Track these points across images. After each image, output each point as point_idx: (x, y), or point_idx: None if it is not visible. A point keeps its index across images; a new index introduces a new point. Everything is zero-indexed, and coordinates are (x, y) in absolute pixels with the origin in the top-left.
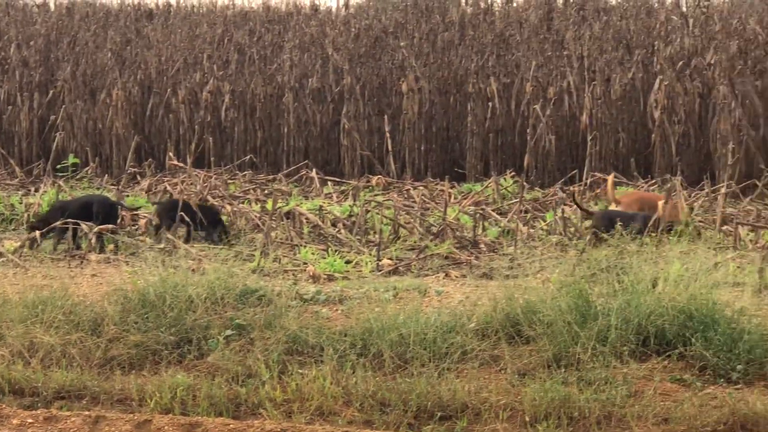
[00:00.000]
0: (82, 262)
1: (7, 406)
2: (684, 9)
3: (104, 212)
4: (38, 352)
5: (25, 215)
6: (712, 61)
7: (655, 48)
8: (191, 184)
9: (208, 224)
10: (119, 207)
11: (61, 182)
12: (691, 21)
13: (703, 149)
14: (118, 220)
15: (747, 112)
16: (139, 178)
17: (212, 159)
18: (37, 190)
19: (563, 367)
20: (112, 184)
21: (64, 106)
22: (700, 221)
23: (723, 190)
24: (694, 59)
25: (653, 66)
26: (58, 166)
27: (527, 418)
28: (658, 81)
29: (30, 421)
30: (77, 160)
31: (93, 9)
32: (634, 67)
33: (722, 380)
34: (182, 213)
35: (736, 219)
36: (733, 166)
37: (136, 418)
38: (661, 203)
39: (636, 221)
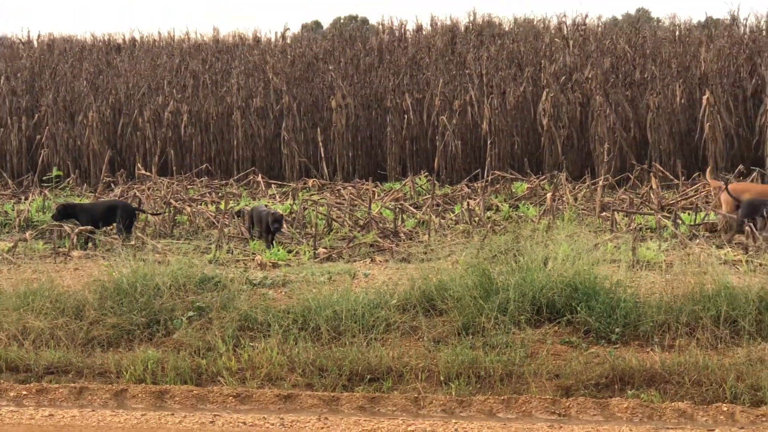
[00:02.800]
0: (65, 258)
1: (5, 381)
2: (565, 32)
3: (126, 215)
4: (30, 335)
5: (17, 220)
6: (590, 76)
7: (542, 65)
8: (157, 189)
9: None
10: (137, 211)
11: (46, 192)
12: (571, 42)
13: (584, 149)
14: (135, 222)
15: (619, 117)
16: (113, 186)
17: (174, 168)
18: (26, 199)
19: (471, 334)
20: (91, 192)
21: (47, 127)
22: (583, 209)
23: (601, 183)
24: (575, 74)
25: (541, 81)
26: (44, 178)
27: (442, 378)
28: (545, 93)
29: (24, 393)
30: (60, 173)
31: (70, 44)
32: (525, 82)
33: (603, 341)
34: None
35: (613, 206)
36: (609, 163)
37: (114, 387)
38: None
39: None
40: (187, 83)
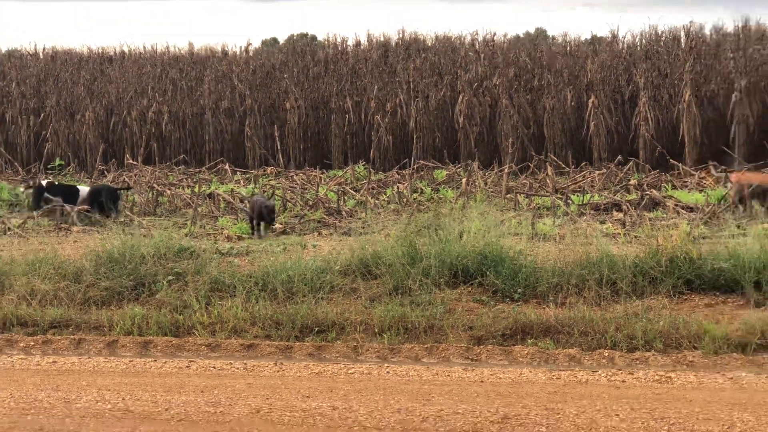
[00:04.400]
0: (66, 232)
1: (16, 334)
2: (477, 47)
3: (110, 195)
4: (37, 295)
5: (26, 201)
6: (497, 83)
7: (458, 74)
8: (142, 176)
9: None
10: (119, 190)
11: (50, 178)
12: (482, 55)
13: (492, 143)
14: (120, 201)
15: (521, 117)
16: (105, 173)
17: (156, 158)
18: (34, 184)
19: (400, 294)
20: (87, 178)
21: (51, 124)
22: (491, 192)
23: (506, 170)
24: (485, 81)
25: (457, 87)
26: (49, 166)
27: (376, 330)
28: (460, 97)
29: (32, 343)
30: (62, 162)
31: (70, 56)
32: (444, 88)
33: (508, 299)
34: None
35: (516, 189)
36: (513, 154)
37: (107, 338)
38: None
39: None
40: (167, 88)
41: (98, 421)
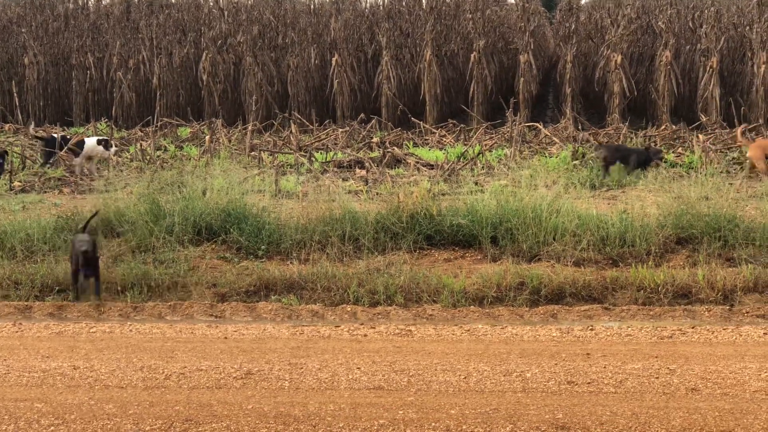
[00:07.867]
0: None
1: None
2: (221, 3)
3: None
4: None
5: None
6: (241, 40)
7: (202, 31)
8: None
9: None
10: None
11: None
12: (225, 12)
13: (236, 100)
14: None
15: (266, 75)
16: None
17: None
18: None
19: (143, 252)
20: None
21: None
22: (235, 149)
23: (250, 128)
24: (229, 39)
25: (201, 44)
26: None
27: (119, 288)
28: (204, 55)
29: None
30: None
31: None
32: (188, 45)
33: (252, 256)
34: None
35: (260, 147)
36: (257, 112)
37: None
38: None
39: (632, 155)
40: None
41: None
